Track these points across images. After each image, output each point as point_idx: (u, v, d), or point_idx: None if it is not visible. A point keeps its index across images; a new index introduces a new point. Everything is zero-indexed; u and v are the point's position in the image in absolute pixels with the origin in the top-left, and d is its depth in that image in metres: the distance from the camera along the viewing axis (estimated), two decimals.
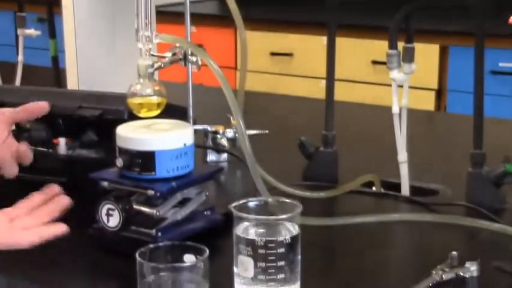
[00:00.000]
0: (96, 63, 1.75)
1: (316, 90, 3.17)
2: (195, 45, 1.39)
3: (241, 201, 1.15)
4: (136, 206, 1.26)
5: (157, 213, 1.26)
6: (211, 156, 1.75)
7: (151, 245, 1.20)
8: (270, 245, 1.09)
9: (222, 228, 1.32)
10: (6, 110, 1.37)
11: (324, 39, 1.65)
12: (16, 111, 1.37)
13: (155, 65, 1.37)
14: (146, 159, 1.25)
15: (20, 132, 1.56)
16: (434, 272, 1.16)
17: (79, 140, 1.50)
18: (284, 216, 1.13)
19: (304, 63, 3.72)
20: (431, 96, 3.44)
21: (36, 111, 1.39)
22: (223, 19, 3.87)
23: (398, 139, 1.52)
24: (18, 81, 2.12)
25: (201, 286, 1.15)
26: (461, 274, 1.17)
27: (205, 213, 1.34)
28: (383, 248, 1.37)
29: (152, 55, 1.37)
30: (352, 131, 1.97)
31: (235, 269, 1.13)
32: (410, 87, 1.52)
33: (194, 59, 1.47)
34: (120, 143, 1.27)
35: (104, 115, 1.45)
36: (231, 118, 1.69)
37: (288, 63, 3.81)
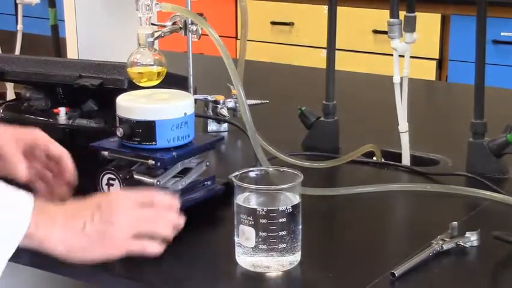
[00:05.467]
0: (96, 32, 1.74)
1: (317, 59, 3.17)
2: (195, 14, 1.38)
3: (242, 171, 1.15)
4: (136, 176, 1.26)
5: (158, 183, 1.26)
6: (212, 126, 1.75)
7: None
8: (271, 214, 1.10)
9: (222, 198, 1.32)
10: (42, 135, 1.28)
11: (325, 8, 1.64)
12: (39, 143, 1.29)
13: (155, 34, 1.36)
14: (147, 128, 1.25)
15: (20, 102, 1.56)
16: (434, 241, 1.17)
17: (79, 110, 1.49)
18: (285, 185, 1.13)
19: (305, 33, 3.70)
20: (432, 65, 3.42)
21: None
22: None
23: (399, 109, 1.52)
24: (18, 50, 2.11)
25: None
26: (462, 244, 1.18)
27: (205, 183, 1.34)
28: (384, 217, 1.37)
29: (152, 24, 1.36)
30: (353, 100, 1.97)
31: (236, 239, 1.13)
32: (411, 56, 1.51)
33: (194, 28, 1.46)
34: (120, 112, 1.27)
35: (104, 84, 1.45)
36: (232, 88, 1.69)
37: (289, 32, 3.78)
